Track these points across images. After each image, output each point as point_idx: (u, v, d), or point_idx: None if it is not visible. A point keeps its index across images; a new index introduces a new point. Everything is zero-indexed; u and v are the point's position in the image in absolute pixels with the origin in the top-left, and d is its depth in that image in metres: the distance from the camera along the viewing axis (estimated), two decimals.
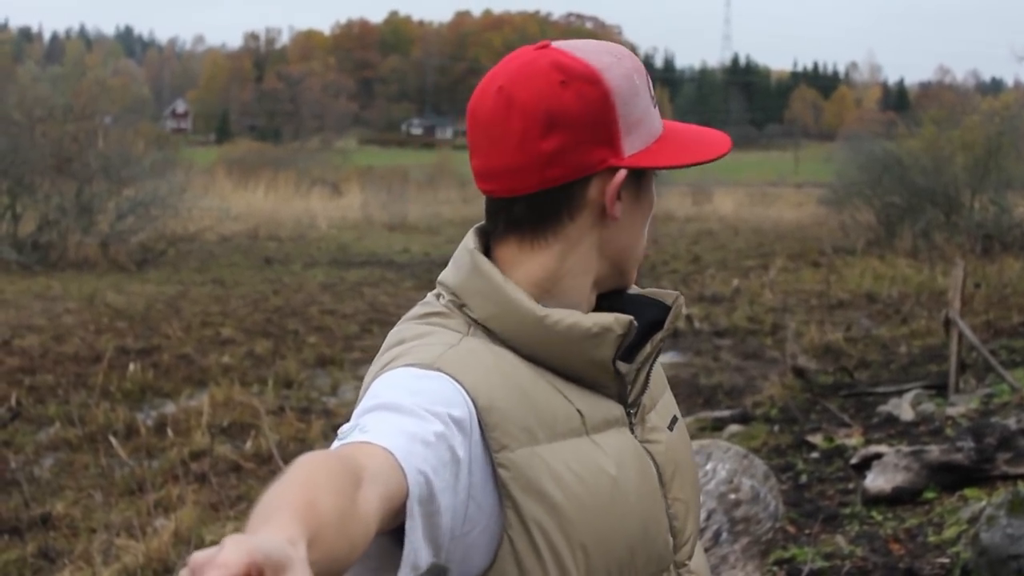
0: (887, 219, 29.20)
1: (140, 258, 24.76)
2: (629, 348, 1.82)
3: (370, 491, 1.37)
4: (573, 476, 1.69)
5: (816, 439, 9.27)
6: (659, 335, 1.85)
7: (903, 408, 9.86)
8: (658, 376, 1.97)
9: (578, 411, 1.75)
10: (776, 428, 10.10)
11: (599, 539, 1.69)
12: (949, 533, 6.32)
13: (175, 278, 22.09)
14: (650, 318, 1.86)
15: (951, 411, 9.40)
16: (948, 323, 10.90)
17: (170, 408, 11.20)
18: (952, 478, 7.17)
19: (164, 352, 13.90)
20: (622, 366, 1.81)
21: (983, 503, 6.37)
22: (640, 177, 1.81)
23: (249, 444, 9.68)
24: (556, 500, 1.67)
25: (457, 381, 1.64)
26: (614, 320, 1.76)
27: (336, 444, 1.51)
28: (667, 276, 23.19)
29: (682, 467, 1.90)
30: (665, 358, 14.18)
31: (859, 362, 13.36)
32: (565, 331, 1.75)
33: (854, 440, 9.02)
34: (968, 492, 6.94)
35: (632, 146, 1.77)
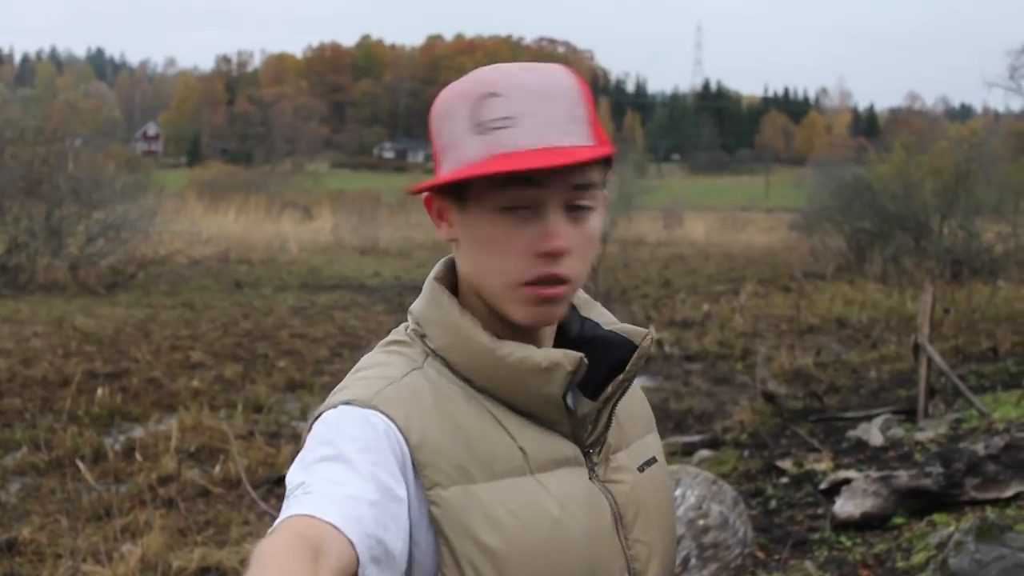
0: (857, 244, 29.35)
1: (110, 281, 24.65)
2: (596, 386, 1.82)
3: (324, 570, 1.42)
4: (509, 515, 1.69)
5: (786, 464, 9.28)
6: (620, 376, 1.82)
7: (872, 433, 9.87)
8: (636, 416, 1.96)
9: (521, 449, 1.74)
10: (746, 453, 10.11)
11: None
12: (918, 559, 6.32)
13: (145, 301, 22.00)
14: (619, 357, 1.85)
15: (920, 436, 9.41)
16: (917, 348, 10.93)
17: (138, 432, 11.12)
18: (921, 503, 7.18)
19: (133, 376, 13.83)
20: (584, 403, 1.82)
21: (951, 529, 6.38)
22: (461, 200, 1.75)
23: (218, 469, 9.63)
24: (489, 539, 1.67)
25: (391, 419, 1.67)
26: (563, 356, 1.74)
27: (284, 510, 1.57)
28: (638, 300, 23.22)
29: (649, 509, 1.86)
30: (636, 383, 14.15)
31: (829, 387, 13.39)
32: (515, 364, 1.74)
33: (823, 465, 9.03)
34: (937, 517, 6.95)
35: (444, 170, 1.75)
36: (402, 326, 1.89)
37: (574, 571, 1.73)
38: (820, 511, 7.84)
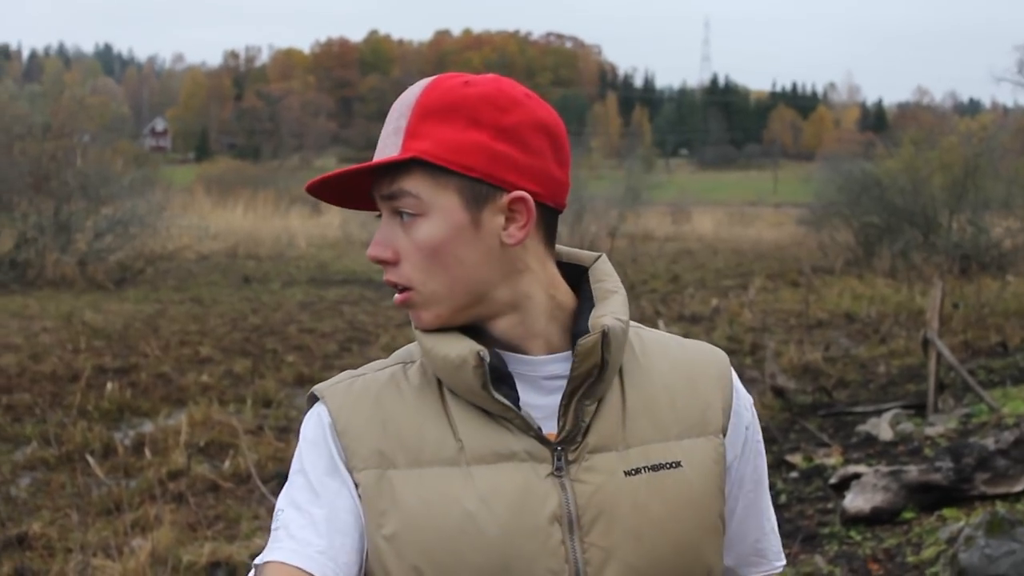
0: (866, 239, 29.30)
1: (118, 277, 24.69)
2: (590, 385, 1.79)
3: None
4: (419, 503, 1.73)
5: (795, 459, 9.28)
6: (571, 374, 1.78)
7: (882, 428, 9.87)
8: (668, 415, 1.86)
9: (459, 440, 1.76)
10: None
11: (438, 568, 1.70)
12: (928, 553, 6.32)
13: (153, 297, 22.03)
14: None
15: (930, 431, 9.41)
16: (926, 343, 10.92)
17: (148, 427, 11.15)
18: (931, 498, 7.18)
19: (142, 371, 13.85)
20: (562, 398, 1.79)
21: (961, 523, 6.38)
22: None
23: (227, 464, 9.65)
24: (391, 524, 1.74)
25: (327, 409, 1.82)
26: (468, 350, 1.75)
27: (270, 540, 1.77)
28: (646, 295, 23.20)
29: (620, 515, 1.77)
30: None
31: (838, 382, 13.37)
32: (437, 359, 1.79)
33: (833, 460, 9.03)
34: (947, 512, 6.95)
35: None
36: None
37: (482, 566, 1.71)
38: (830, 506, 7.84)
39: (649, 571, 1.78)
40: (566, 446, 1.78)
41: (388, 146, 1.78)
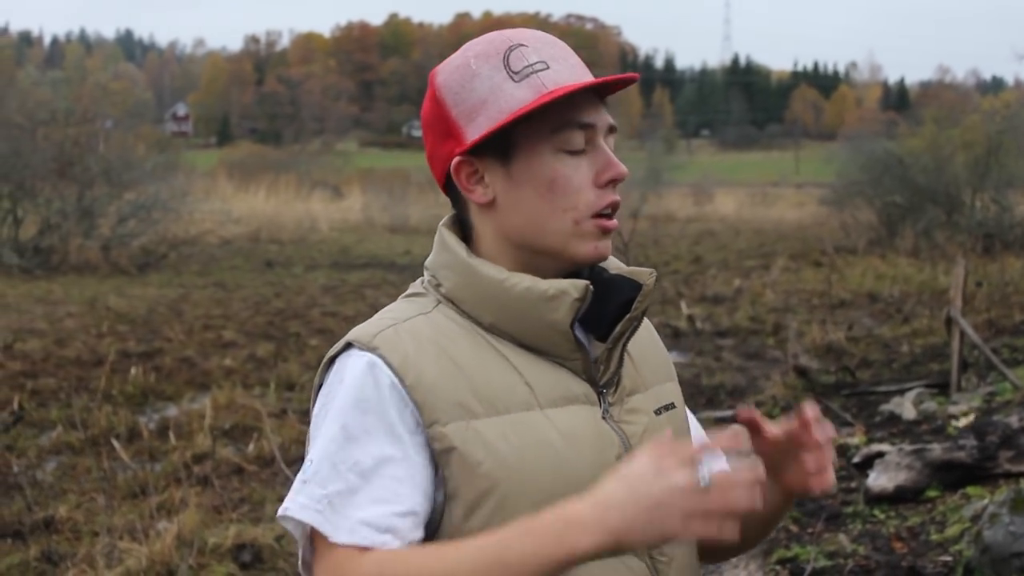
0: (888, 218, 29.20)
1: (141, 261, 24.77)
2: (606, 329, 1.85)
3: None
4: (511, 448, 1.74)
5: None
6: (629, 314, 1.86)
7: (905, 407, 9.85)
8: (654, 362, 2.00)
9: (527, 385, 1.79)
10: None
11: (537, 510, 1.66)
12: (952, 531, 6.32)
13: (176, 281, 22.09)
14: (626, 298, 1.87)
15: (953, 409, 9.39)
16: (950, 322, 10.89)
17: (172, 411, 11.19)
18: (954, 476, 7.16)
19: (166, 355, 13.89)
20: (596, 345, 1.86)
21: (985, 501, 6.37)
22: (506, 154, 1.82)
23: (251, 447, 9.67)
24: (489, 471, 1.73)
25: (387, 362, 1.75)
26: (570, 284, 1.79)
27: (307, 497, 1.72)
28: (668, 276, 23.17)
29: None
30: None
31: (861, 361, 13.34)
32: (522, 293, 1.79)
33: (856, 439, 9.02)
34: (970, 490, 6.94)
35: (478, 129, 1.81)
36: (419, 280, 1.98)
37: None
38: (853, 485, 7.84)
39: None
40: (607, 389, 1.86)
41: (588, 75, 1.85)
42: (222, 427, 10.30)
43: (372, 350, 1.77)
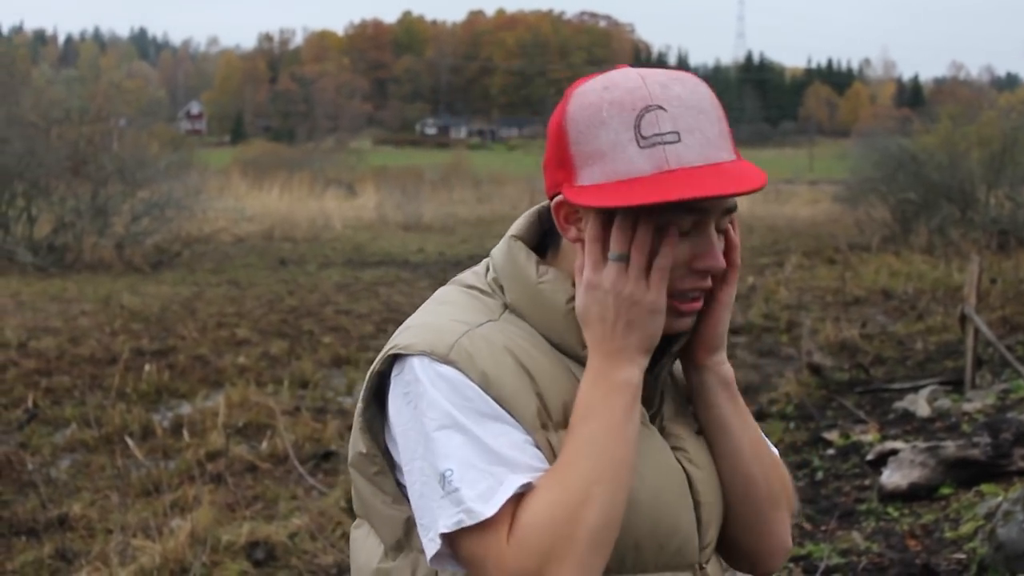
0: (902, 215, 29.14)
1: (155, 260, 24.80)
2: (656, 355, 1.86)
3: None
4: None
5: (832, 436, 9.26)
6: (676, 345, 1.89)
7: (919, 404, 9.84)
8: (679, 387, 2.00)
9: None
10: (792, 425, 10.09)
11: None
12: (966, 529, 6.31)
13: (190, 279, 22.12)
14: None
15: (967, 407, 9.38)
16: (964, 319, 10.87)
17: (186, 409, 11.20)
18: (968, 474, 7.15)
19: (180, 353, 13.91)
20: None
21: (999, 498, 6.36)
22: (608, 213, 1.78)
23: (265, 444, 9.68)
24: None
25: (467, 376, 1.76)
26: None
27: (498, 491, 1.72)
28: None
29: (707, 472, 1.92)
30: None
31: (875, 359, 13.32)
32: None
33: (870, 436, 9.01)
34: (984, 487, 6.93)
35: (590, 177, 1.76)
36: (480, 268, 1.97)
37: (636, 526, 1.79)
38: (867, 482, 7.83)
39: (718, 523, 1.95)
40: (656, 413, 1.91)
41: (724, 149, 1.78)
42: (236, 425, 10.32)
43: (449, 363, 1.78)
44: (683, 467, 1.88)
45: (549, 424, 1.77)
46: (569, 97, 1.82)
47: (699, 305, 1.83)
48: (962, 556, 5.94)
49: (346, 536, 7.28)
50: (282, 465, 9.18)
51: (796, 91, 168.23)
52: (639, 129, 1.73)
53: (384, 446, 1.87)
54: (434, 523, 1.72)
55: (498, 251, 1.94)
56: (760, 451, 1.95)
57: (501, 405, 1.75)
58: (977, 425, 8.18)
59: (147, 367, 12.49)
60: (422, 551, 1.79)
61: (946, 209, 27.66)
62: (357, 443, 1.91)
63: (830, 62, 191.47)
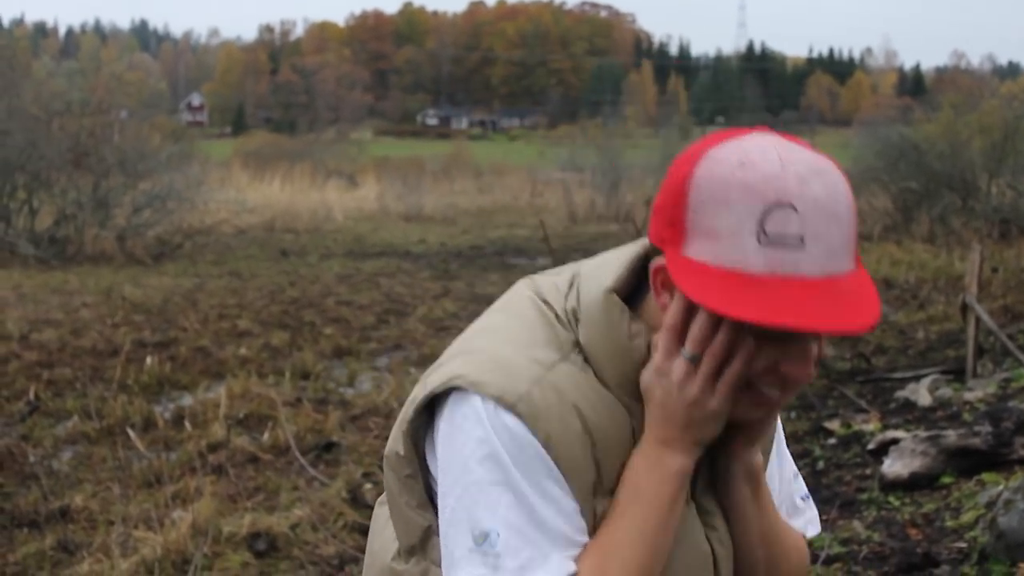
0: (904, 204, 29.09)
1: (157, 251, 24.81)
2: None
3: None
4: None
5: (833, 425, 9.26)
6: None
7: (920, 393, 9.83)
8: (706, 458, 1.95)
9: None
10: (793, 414, 10.09)
11: None
12: (967, 518, 6.30)
13: (192, 271, 22.12)
14: None
15: (968, 396, 9.37)
16: (965, 308, 10.86)
17: (187, 400, 11.20)
18: (969, 463, 7.14)
19: (181, 345, 13.91)
20: None
21: (1000, 487, 6.35)
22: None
23: (266, 435, 9.68)
24: None
25: (526, 426, 1.72)
26: None
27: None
28: None
29: (730, 551, 1.91)
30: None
31: (876, 348, 13.32)
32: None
33: (871, 426, 9.00)
34: (986, 476, 6.92)
35: (697, 251, 1.66)
36: (561, 283, 1.90)
37: None
38: (868, 471, 7.83)
39: None
40: (691, 485, 1.87)
41: (845, 259, 1.65)
42: (237, 416, 10.32)
43: (517, 415, 1.73)
44: (712, 547, 1.86)
45: (599, 491, 1.76)
46: (699, 156, 1.69)
47: (777, 403, 1.77)
48: (963, 545, 5.94)
49: (348, 526, 7.32)
50: (283, 456, 9.18)
51: (798, 80, 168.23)
52: (764, 224, 1.60)
53: (423, 453, 1.86)
54: (453, 566, 1.74)
55: (589, 295, 1.83)
56: (770, 538, 1.92)
57: (560, 468, 1.72)
58: (978, 414, 8.17)
59: (149, 359, 12.49)
60: (435, 563, 1.81)
61: (947, 198, 27.62)
62: (397, 443, 1.90)
63: (832, 51, 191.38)
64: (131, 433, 9.37)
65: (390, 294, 18.71)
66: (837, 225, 1.63)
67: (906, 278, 19.37)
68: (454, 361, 1.81)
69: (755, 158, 1.64)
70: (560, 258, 18.45)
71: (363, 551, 6.53)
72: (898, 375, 11.28)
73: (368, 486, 8.28)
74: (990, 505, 6.12)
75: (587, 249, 25.59)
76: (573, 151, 47.66)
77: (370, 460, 8.94)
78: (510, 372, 1.75)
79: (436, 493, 1.82)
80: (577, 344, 1.81)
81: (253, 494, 8.22)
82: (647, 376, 1.75)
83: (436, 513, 1.82)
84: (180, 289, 19.23)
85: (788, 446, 2.06)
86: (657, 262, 1.73)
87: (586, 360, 1.80)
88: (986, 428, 7.24)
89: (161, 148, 29.42)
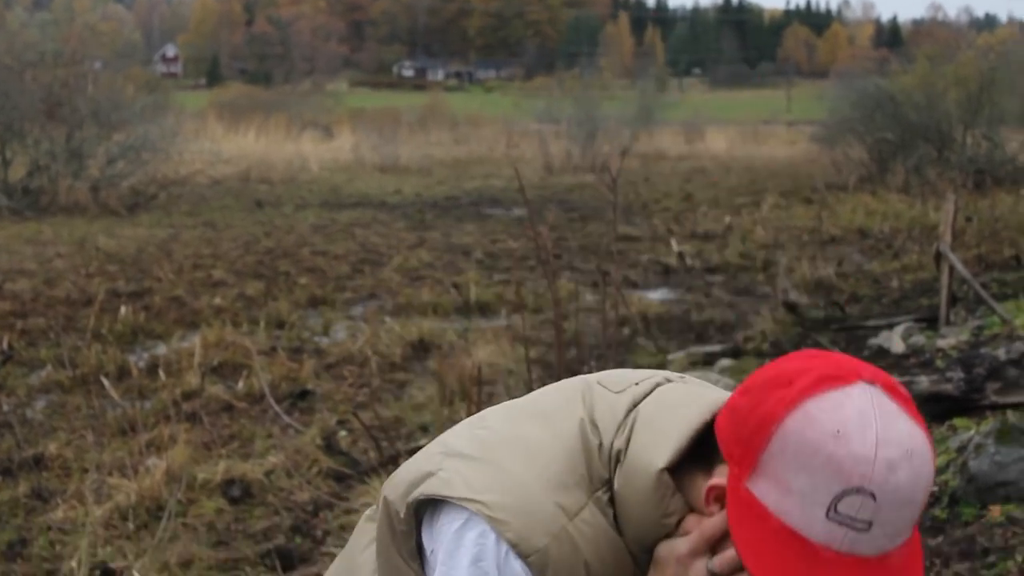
0: (879, 155, 29.18)
1: (131, 202, 24.69)
2: None
3: None
4: None
5: None
6: None
7: (894, 341, 9.88)
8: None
9: None
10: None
11: None
12: (938, 462, 6.34)
13: (166, 221, 22.04)
14: None
15: (941, 343, 9.41)
16: (939, 257, 10.89)
17: (162, 350, 11.19)
18: (942, 408, 7.18)
19: (155, 295, 13.88)
20: None
21: (972, 432, 6.39)
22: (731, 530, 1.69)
23: (241, 384, 9.69)
24: None
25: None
26: None
27: None
28: (659, 214, 23.17)
29: None
30: (657, 294, 14.21)
31: (850, 297, 13.38)
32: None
33: None
34: (957, 422, 6.96)
35: (763, 491, 1.63)
36: (619, 410, 1.86)
37: None
38: None
39: None
40: None
41: (902, 535, 1.63)
42: (211, 364, 10.32)
43: (527, 565, 1.74)
44: None
45: None
46: (796, 404, 1.63)
47: None
48: (934, 488, 5.98)
49: (322, 472, 7.34)
50: (258, 404, 9.19)
51: (775, 32, 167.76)
52: (837, 503, 1.57)
53: (421, 519, 1.85)
54: None
55: (639, 461, 1.78)
56: None
57: None
58: (951, 361, 8.21)
59: (123, 308, 12.46)
60: None
61: (923, 149, 27.71)
62: (400, 502, 1.87)
63: (808, 3, 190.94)
64: (105, 382, 9.34)
65: (365, 244, 18.68)
66: (910, 510, 1.60)
67: (881, 228, 19.44)
68: (483, 470, 1.80)
69: (851, 431, 1.58)
70: (535, 208, 18.37)
71: (337, 497, 6.50)
72: (872, 323, 11.32)
73: (343, 433, 8.31)
74: (961, 449, 6.16)
75: (563, 199, 25.57)
76: (550, 103, 47.55)
77: (344, 408, 8.96)
78: (532, 518, 1.74)
79: (426, 550, 1.83)
80: (609, 484, 1.79)
81: (228, 442, 8.23)
82: (665, 552, 1.75)
83: (423, 566, 1.83)
84: (154, 239, 19.16)
85: None
86: (716, 480, 1.71)
87: (611, 500, 1.78)
88: (958, 374, 7.28)
89: (135, 99, 29.22)
